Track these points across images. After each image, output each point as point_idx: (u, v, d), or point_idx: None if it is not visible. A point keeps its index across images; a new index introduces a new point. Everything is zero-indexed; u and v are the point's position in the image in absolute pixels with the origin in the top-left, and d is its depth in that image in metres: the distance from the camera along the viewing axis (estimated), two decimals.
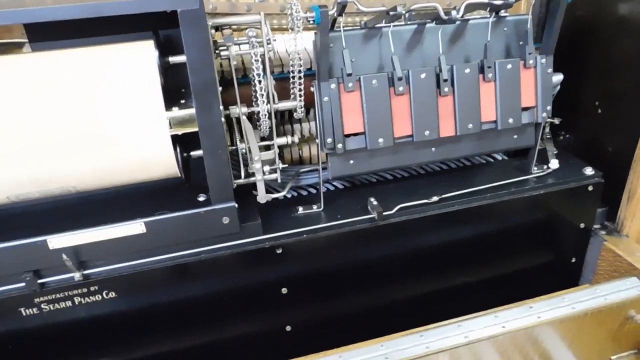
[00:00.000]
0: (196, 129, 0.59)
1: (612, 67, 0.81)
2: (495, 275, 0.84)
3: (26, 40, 0.61)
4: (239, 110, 0.63)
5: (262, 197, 0.68)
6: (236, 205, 0.64)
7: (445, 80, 0.68)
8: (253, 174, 0.67)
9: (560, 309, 0.73)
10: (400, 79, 0.67)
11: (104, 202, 0.65)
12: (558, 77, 0.77)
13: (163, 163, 0.59)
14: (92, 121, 0.55)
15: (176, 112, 0.58)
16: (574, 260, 0.87)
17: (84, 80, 0.55)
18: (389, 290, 0.79)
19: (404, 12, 0.62)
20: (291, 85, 0.66)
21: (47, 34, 0.60)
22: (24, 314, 0.63)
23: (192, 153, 0.64)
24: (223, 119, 0.60)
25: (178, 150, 0.61)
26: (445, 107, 0.70)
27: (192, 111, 0.58)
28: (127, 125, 0.56)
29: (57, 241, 0.59)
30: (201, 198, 0.66)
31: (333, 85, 0.65)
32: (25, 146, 0.54)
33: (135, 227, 0.61)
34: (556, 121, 0.85)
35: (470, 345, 0.68)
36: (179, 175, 0.62)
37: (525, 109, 0.74)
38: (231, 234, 0.66)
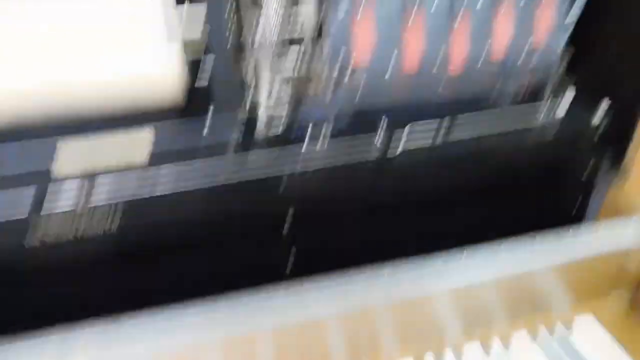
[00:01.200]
0: None
1: (633, 7, 0.78)
2: (496, 223, 0.83)
3: None
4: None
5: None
6: None
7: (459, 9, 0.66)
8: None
9: (561, 252, 0.73)
10: None
11: None
12: (574, 12, 0.74)
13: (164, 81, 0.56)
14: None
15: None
16: (577, 204, 0.87)
17: None
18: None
19: None
20: None
21: None
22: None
23: None
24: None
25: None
26: (459, 37, 0.68)
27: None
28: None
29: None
30: None
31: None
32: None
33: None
34: (565, 63, 0.83)
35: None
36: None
37: (539, 46, 0.72)
38: None
